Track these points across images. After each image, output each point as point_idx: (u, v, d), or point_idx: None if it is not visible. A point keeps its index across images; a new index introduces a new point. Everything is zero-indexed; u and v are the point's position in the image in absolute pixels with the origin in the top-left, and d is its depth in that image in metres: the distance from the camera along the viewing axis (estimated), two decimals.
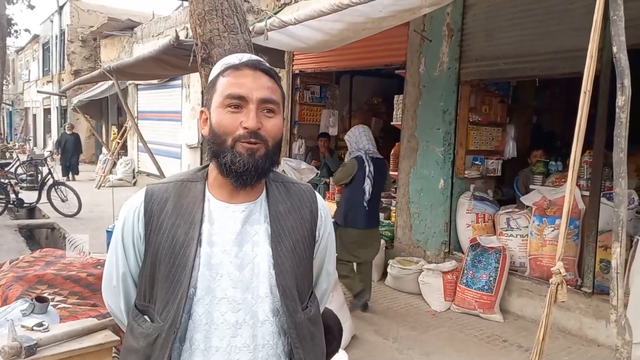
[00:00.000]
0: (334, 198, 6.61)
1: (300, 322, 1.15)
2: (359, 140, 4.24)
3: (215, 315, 1.09)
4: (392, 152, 5.81)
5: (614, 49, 1.95)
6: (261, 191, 1.19)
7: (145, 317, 1.14)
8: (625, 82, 1.93)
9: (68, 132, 13.12)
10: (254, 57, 1.17)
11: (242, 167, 1.08)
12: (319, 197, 1.28)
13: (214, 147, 1.12)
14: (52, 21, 19.35)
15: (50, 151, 15.88)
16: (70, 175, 12.68)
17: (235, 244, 1.12)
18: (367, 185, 4.05)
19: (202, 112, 1.18)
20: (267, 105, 1.11)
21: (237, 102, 1.10)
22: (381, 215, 5.94)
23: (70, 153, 12.81)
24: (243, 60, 1.13)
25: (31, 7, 19.45)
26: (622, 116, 1.94)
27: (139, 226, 1.14)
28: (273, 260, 1.12)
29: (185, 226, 1.11)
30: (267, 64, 1.16)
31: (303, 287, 1.18)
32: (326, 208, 1.29)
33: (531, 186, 4.60)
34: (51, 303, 2.44)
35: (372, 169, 4.07)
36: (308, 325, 1.17)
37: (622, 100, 1.93)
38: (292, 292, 1.13)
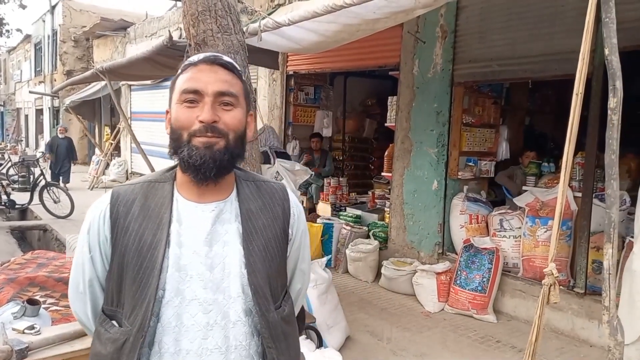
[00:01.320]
0: (328, 199, 6.63)
1: (273, 322, 1.13)
2: (268, 138, 5.07)
3: (185, 317, 1.06)
4: (386, 153, 5.82)
5: (606, 51, 1.96)
6: (231, 190, 1.17)
7: (113, 322, 1.11)
8: (617, 84, 1.94)
9: (60, 136, 11.41)
10: (215, 53, 1.16)
11: (199, 160, 1.06)
12: (291, 195, 1.27)
13: (173, 143, 1.11)
14: (44, 21, 19.22)
15: (43, 152, 15.79)
16: (60, 183, 11.23)
17: (205, 244, 1.10)
18: None
19: (167, 112, 1.16)
20: (224, 99, 1.10)
21: (193, 97, 1.08)
22: (375, 216, 5.98)
23: (62, 159, 11.22)
24: (201, 57, 1.13)
25: (23, 6, 19.35)
26: (614, 118, 1.95)
27: (104, 229, 1.12)
28: (245, 260, 1.11)
29: (153, 227, 1.09)
30: (227, 59, 1.14)
31: (276, 287, 1.17)
32: (299, 206, 1.28)
33: (524, 187, 4.63)
34: (43, 306, 2.42)
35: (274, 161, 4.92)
36: (281, 324, 1.16)
37: (614, 102, 1.95)
38: (264, 291, 1.12)
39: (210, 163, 1.07)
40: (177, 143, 1.09)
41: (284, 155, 5.11)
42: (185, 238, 1.09)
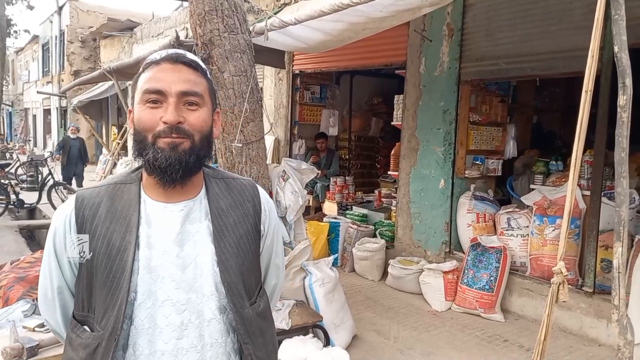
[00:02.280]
0: (334, 198, 6.63)
1: (248, 318, 1.13)
2: None
3: (158, 318, 1.06)
4: (393, 152, 5.81)
5: (615, 49, 1.94)
6: (200, 188, 1.16)
7: (85, 327, 1.10)
8: (626, 81, 1.92)
9: (72, 136, 10.63)
10: (177, 51, 1.13)
11: (165, 162, 1.04)
12: (261, 191, 1.26)
13: (137, 144, 1.08)
14: (51, 22, 19.35)
15: (51, 152, 15.89)
16: (74, 186, 10.62)
17: (175, 244, 1.09)
18: None
19: (130, 111, 1.14)
20: (188, 99, 1.07)
21: (156, 97, 1.06)
22: (381, 215, 5.97)
23: (75, 160, 10.48)
24: (163, 55, 1.10)
25: (30, 7, 19.52)
26: (624, 115, 1.94)
27: (71, 234, 1.10)
28: (217, 258, 1.10)
29: (121, 230, 1.08)
30: (191, 57, 1.12)
31: (250, 283, 1.16)
32: (270, 201, 1.27)
33: (531, 186, 4.60)
34: None
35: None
36: (257, 320, 1.16)
37: (624, 99, 1.93)
38: (238, 288, 1.11)
39: (176, 165, 1.05)
40: (142, 145, 1.07)
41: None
42: (155, 239, 1.08)
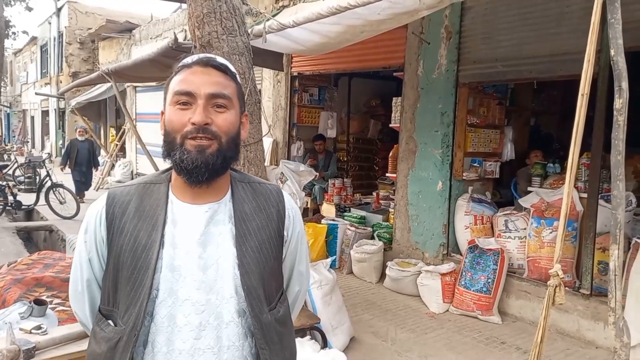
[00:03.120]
0: (332, 200, 6.63)
1: (266, 323, 1.13)
2: None
3: (178, 317, 1.07)
4: (391, 154, 5.82)
5: (612, 52, 1.95)
6: (226, 191, 1.17)
7: (109, 321, 1.12)
8: (622, 84, 1.93)
9: (80, 139, 9.74)
10: (208, 55, 1.16)
11: (191, 164, 1.06)
12: (286, 196, 1.26)
13: (166, 145, 1.11)
14: (50, 23, 19.34)
15: (49, 153, 15.86)
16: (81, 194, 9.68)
17: (199, 245, 1.10)
18: None
19: (162, 112, 1.16)
20: (217, 101, 1.09)
21: (186, 99, 1.08)
22: (379, 217, 5.97)
23: (84, 164, 9.65)
24: (195, 59, 1.12)
25: (29, 9, 19.46)
26: (620, 119, 1.94)
27: (101, 230, 1.13)
28: (238, 261, 1.11)
29: (147, 228, 1.10)
30: (221, 60, 1.14)
31: (270, 288, 1.17)
32: (295, 208, 1.27)
33: (529, 188, 4.61)
34: (50, 306, 2.44)
35: None
36: (275, 326, 1.15)
37: (620, 102, 1.94)
38: (257, 292, 1.12)
39: (203, 167, 1.07)
40: (170, 146, 1.09)
41: None
42: (179, 239, 1.10)
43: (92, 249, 1.15)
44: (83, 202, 9.11)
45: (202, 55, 1.14)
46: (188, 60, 1.13)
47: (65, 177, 9.86)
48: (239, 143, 1.16)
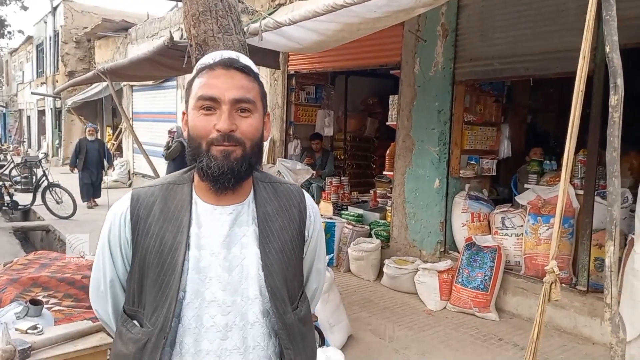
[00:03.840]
0: (329, 198, 6.63)
1: (290, 323, 1.15)
2: (180, 131, 6.81)
3: (204, 318, 1.08)
4: (388, 152, 5.82)
5: (607, 49, 1.96)
6: (248, 192, 1.18)
7: (135, 322, 1.13)
8: (618, 81, 1.94)
9: (90, 138, 9.09)
10: (231, 54, 1.13)
11: (218, 170, 1.07)
12: (307, 196, 1.27)
13: (192, 150, 1.11)
14: (45, 22, 19.25)
15: (45, 153, 15.81)
16: (91, 199, 9.14)
17: (223, 246, 1.11)
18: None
19: (183, 113, 1.16)
20: (241, 105, 1.09)
21: (210, 104, 1.08)
22: (377, 215, 5.98)
23: (94, 166, 8.96)
24: (217, 59, 1.11)
25: (24, 8, 19.44)
26: (615, 116, 1.95)
27: (125, 231, 1.13)
28: (262, 262, 1.12)
29: (173, 230, 1.10)
30: (243, 62, 1.12)
31: (293, 288, 1.18)
32: (315, 207, 1.29)
33: (526, 185, 4.62)
34: (46, 306, 2.43)
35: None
36: (298, 325, 1.17)
37: (615, 99, 1.94)
38: (281, 293, 1.13)
39: (229, 174, 1.08)
40: (196, 151, 1.10)
41: None
42: (204, 240, 1.11)
43: (116, 250, 1.15)
44: (92, 207, 8.93)
45: (225, 55, 1.12)
46: (209, 60, 1.12)
47: (71, 182, 9.18)
48: (262, 146, 1.17)
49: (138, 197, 1.15)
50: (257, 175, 1.21)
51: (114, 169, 10.13)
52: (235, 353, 1.09)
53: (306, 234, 1.23)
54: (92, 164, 8.94)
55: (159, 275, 1.08)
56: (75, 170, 9.17)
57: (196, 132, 1.09)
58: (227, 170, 1.07)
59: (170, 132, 7.57)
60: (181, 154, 6.79)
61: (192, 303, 1.08)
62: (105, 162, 9.50)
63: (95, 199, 9.21)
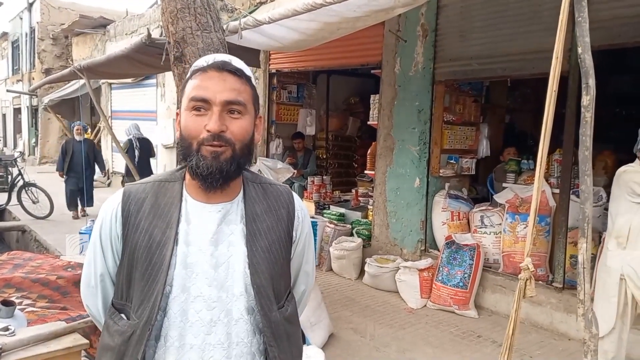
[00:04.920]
0: (311, 197, 6.63)
1: (275, 321, 1.16)
2: (130, 129, 7.89)
3: (190, 313, 1.10)
4: (369, 151, 5.84)
5: (579, 50, 1.99)
6: (238, 191, 1.20)
7: (122, 315, 1.16)
8: (590, 82, 1.97)
9: (77, 138, 8.01)
10: (224, 57, 1.16)
11: (206, 170, 1.10)
12: (296, 198, 1.30)
13: (182, 150, 1.14)
14: (21, 18, 18.81)
15: (21, 152, 15.44)
16: (79, 209, 8.06)
17: (211, 243, 1.13)
18: (136, 151, 7.67)
19: (177, 113, 1.20)
20: (231, 107, 1.12)
21: (201, 105, 1.11)
22: (358, 214, 6.00)
23: (81, 171, 7.81)
24: (210, 62, 1.14)
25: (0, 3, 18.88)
26: (587, 115, 1.99)
27: (116, 226, 1.16)
28: (248, 260, 1.14)
29: (162, 226, 1.13)
30: (236, 64, 1.15)
31: (279, 287, 1.20)
32: (304, 209, 1.31)
33: (504, 184, 4.69)
34: (19, 307, 2.37)
35: (138, 144, 7.75)
36: (284, 324, 1.19)
37: (587, 99, 1.98)
38: (267, 291, 1.15)
39: (217, 174, 1.10)
40: (187, 151, 1.12)
41: (146, 142, 7.97)
42: (192, 237, 1.13)
43: (107, 245, 1.18)
44: (79, 217, 7.91)
45: (218, 58, 1.15)
46: (203, 63, 1.14)
47: (57, 189, 8.41)
48: (253, 147, 1.20)
49: (129, 193, 1.18)
50: (248, 175, 1.24)
51: (105, 175, 9.49)
52: (218, 348, 1.11)
53: (294, 234, 1.25)
54: (77, 167, 7.80)
55: (146, 270, 1.11)
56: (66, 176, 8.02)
57: (187, 132, 1.12)
58: (216, 170, 1.10)
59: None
60: (129, 150, 7.63)
61: (178, 297, 1.10)
62: (97, 166, 8.53)
63: (85, 208, 8.04)
